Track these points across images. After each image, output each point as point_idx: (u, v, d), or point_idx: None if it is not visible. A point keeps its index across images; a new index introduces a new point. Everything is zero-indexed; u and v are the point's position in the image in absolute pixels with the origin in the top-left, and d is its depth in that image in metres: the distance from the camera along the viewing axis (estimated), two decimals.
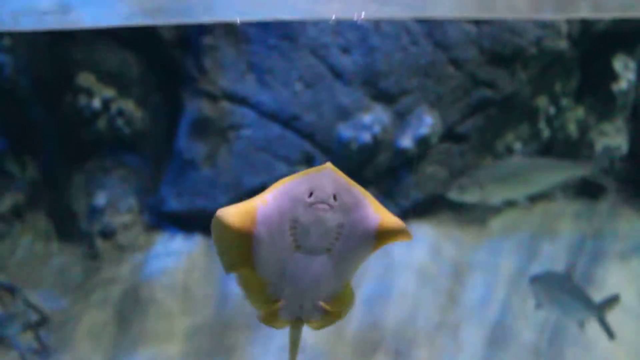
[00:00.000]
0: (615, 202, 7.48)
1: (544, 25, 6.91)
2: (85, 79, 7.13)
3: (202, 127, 6.93)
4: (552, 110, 7.29)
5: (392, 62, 6.78)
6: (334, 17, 6.65)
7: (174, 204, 6.99)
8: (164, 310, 6.21)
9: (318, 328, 2.30)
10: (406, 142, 6.73)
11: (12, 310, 5.70)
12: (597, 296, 5.42)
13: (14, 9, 5.38)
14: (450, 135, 6.96)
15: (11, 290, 5.94)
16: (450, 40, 6.81)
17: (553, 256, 6.47)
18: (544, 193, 6.84)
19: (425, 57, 6.81)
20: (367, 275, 6.21)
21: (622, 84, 7.47)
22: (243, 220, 2.11)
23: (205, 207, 6.86)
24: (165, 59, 7.25)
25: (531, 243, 6.88)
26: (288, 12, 6.17)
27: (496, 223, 7.10)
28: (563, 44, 7.02)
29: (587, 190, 7.53)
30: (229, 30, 6.90)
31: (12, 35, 6.96)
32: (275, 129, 6.83)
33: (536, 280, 5.49)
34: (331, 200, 2.06)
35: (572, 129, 7.43)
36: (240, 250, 2.14)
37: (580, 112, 7.50)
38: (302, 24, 6.77)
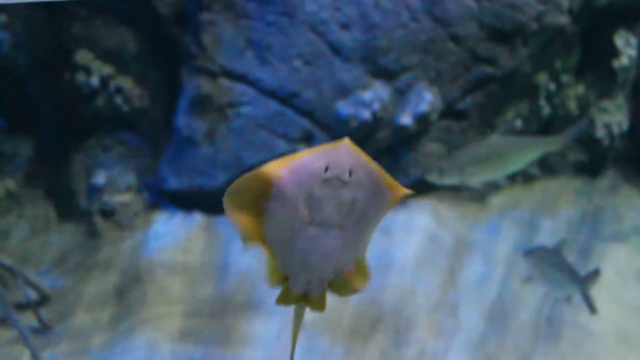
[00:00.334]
0: (615, 180, 7.48)
1: (545, 0, 6.86)
2: (84, 56, 7.10)
3: (201, 105, 6.91)
4: (552, 87, 7.26)
5: (391, 38, 6.74)
6: None
7: (173, 182, 6.98)
8: (163, 289, 6.23)
9: (322, 308, 2.29)
10: (406, 119, 6.70)
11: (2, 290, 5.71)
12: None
13: None
14: (450, 112, 6.94)
15: (11, 269, 5.95)
16: (451, 16, 6.77)
17: (553, 233, 6.47)
18: (525, 171, 6.83)
19: (425, 33, 6.77)
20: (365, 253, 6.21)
21: (623, 60, 7.43)
22: (256, 197, 2.09)
23: (204, 185, 6.85)
24: (164, 35, 7.21)
25: (531, 220, 6.89)
26: None
27: (496, 200, 7.09)
28: (564, 20, 6.98)
29: (588, 167, 7.53)
30: (228, 5, 6.85)
31: (9, 11, 6.92)
32: (274, 106, 6.81)
33: (529, 253, 5.51)
34: (346, 176, 2.03)
35: (573, 105, 7.40)
36: (252, 224, 2.12)
37: (580, 88, 7.47)
38: None
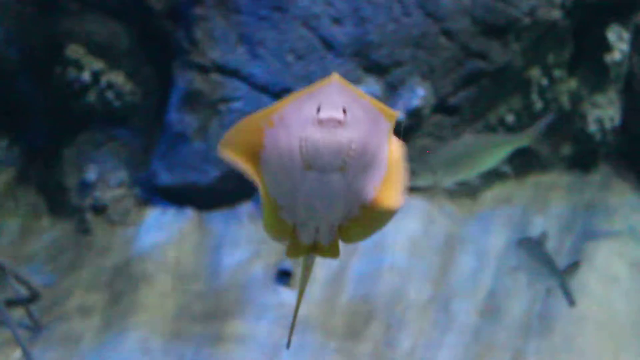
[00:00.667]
0: (608, 175, 7.48)
1: None
2: (75, 50, 7.06)
3: (193, 100, 6.89)
4: (544, 81, 7.25)
5: (384, 33, 6.73)
6: None
7: (165, 178, 6.96)
8: (155, 285, 6.22)
9: (335, 255, 2.17)
10: (398, 114, 6.69)
11: None
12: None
13: None
14: (442, 107, 6.93)
15: (1, 266, 5.92)
16: (443, 11, 6.75)
17: (544, 229, 6.46)
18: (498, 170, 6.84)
19: (418, 28, 6.75)
20: (357, 248, 6.22)
21: (616, 55, 7.42)
22: (249, 148, 2.00)
23: (196, 180, 6.84)
24: (156, 30, 7.17)
25: (523, 215, 6.89)
26: None
27: (488, 195, 7.10)
28: (556, 14, 6.97)
29: (580, 162, 7.53)
30: (220, 0, 6.84)
31: None
32: (267, 101, 6.79)
33: (518, 244, 5.53)
34: (340, 115, 1.91)
35: (565, 100, 7.40)
36: (249, 173, 2.02)
37: (573, 83, 7.46)
38: None
